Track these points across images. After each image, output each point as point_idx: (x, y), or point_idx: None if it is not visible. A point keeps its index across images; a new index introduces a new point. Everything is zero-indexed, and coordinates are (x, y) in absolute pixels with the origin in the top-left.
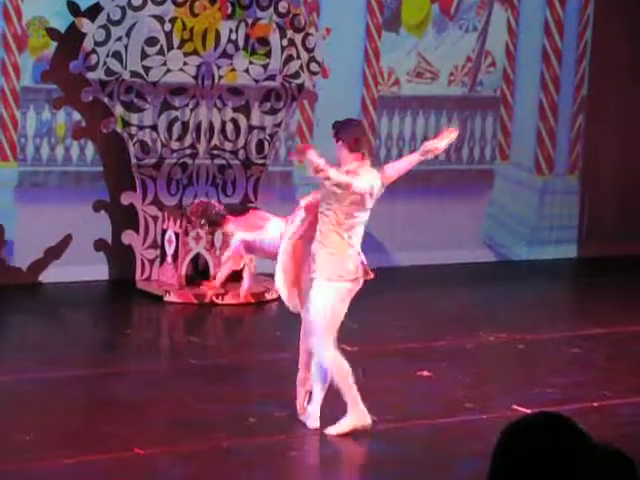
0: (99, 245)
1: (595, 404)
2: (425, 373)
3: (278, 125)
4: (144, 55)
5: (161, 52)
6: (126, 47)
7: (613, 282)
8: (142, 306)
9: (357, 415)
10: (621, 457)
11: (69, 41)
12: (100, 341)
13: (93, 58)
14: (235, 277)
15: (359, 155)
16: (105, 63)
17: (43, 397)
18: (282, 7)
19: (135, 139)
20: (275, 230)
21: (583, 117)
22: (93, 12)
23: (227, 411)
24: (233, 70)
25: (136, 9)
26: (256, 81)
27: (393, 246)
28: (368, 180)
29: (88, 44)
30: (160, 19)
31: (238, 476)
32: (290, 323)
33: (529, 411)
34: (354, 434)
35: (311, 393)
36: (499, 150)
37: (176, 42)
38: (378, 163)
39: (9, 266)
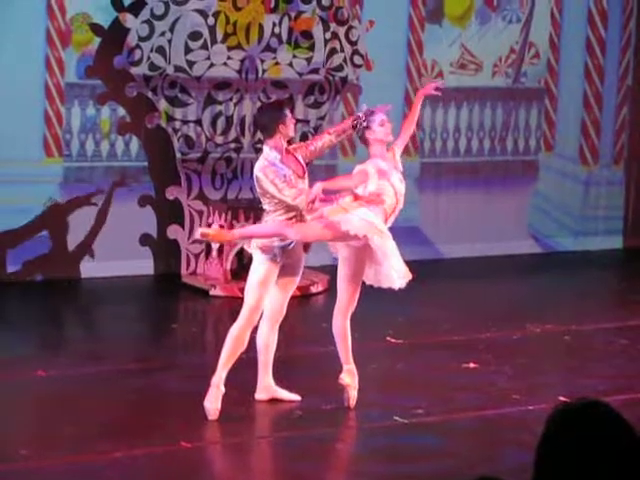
0: (145, 240)
1: None
2: (471, 365)
3: (322, 118)
4: (188, 49)
5: (205, 46)
6: (170, 42)
7: None
8: (188, 300)
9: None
10: None
11: (113, 36)
12: (146, 336)
13: (137, 53)
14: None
15: None
16: (149, 58)
17: (90, 391)
18: (325, 0)
19: (179, 134)
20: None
21: (628, 107)
22: (136, 7)
23: (274, 404)
24: (277, 64)
25: (179, 3)
26: (300, 74)
27: (438, 238)
28: None
29: (132, 39)
30: (203, 13)
31: (284, 468)
32: None
33: None
34: (401, 426)
35: None
36: (544, 141)
37: (219, 36)
38: (422, 156)
39: (54, 261)
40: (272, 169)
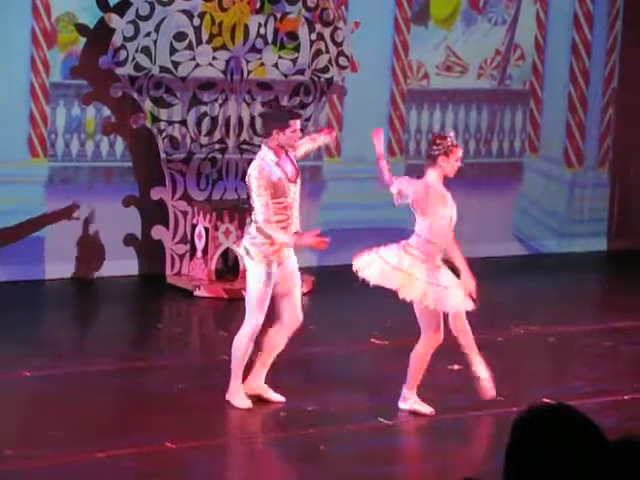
0: (129, 240)
1: (626, 397)
2: (456, 367)
3: (307, 119)
4: (173, 50)
5: (190, 47)
6: (155, 42)
7: None
8: (172, 301)
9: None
10: None
11: (98, 37)
12: (131, 336)
13: (122, 53)
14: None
15: None
16: (134, 58)
17: (75, 392)
18: (311, 1)
19: (164, 134)
20: None
21: (613, 110)
22: (122, 7)
23: (258, 405)
24: (262, 65)
25: (165, 4)
26: (285, 75)
27: None
28: None
29: (117, 39)
30: (189, 14)
31: (269, 469)
32: (321, 317)
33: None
34: (385, 428)
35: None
36: (529, 143)
37: (205, 37)
38: (407, 157)
39: (43, 261)
40: (265, 173)
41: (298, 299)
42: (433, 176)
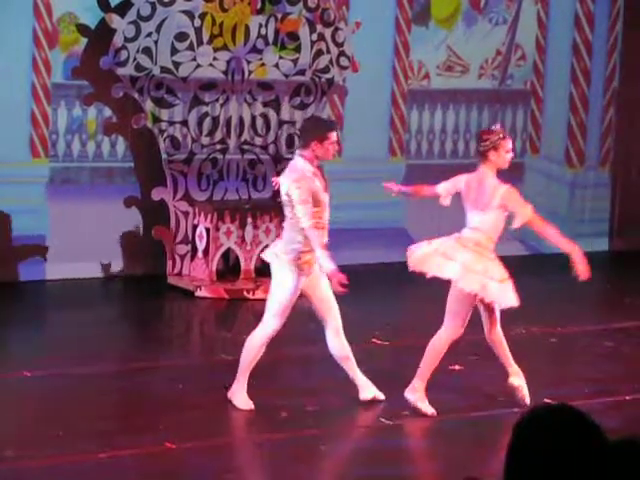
0: (130, 240)
1: (628, 397)
2: (456, 367)
3: None
4: (174, 51)
5: (191, 47)
6: (156, 43)
7: None
8: (173, 301)
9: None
10: None
11: (99, 37)
12: (132, 336)
13: (123, 54)
14: (266, 272)
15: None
16: (135, 59)
17: (75, 392)
18: (311, 1)
19: (165, 134)
20: None
21: (614, 110)
22: (123, 8)
23: (259, 405)
24: (263, 65)
25: (166, 5)
26: (286, 76)
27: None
28: None
29: (118, 40)
30: (190, 14)
31: (269, 470)
32: None
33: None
34: (386, 428)
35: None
36: (530, 143)
37: (206, 37)
38: (409, 157)
39: (41, 261)
40: (307, 181)
41: (331, 296)
42: (488, 172)
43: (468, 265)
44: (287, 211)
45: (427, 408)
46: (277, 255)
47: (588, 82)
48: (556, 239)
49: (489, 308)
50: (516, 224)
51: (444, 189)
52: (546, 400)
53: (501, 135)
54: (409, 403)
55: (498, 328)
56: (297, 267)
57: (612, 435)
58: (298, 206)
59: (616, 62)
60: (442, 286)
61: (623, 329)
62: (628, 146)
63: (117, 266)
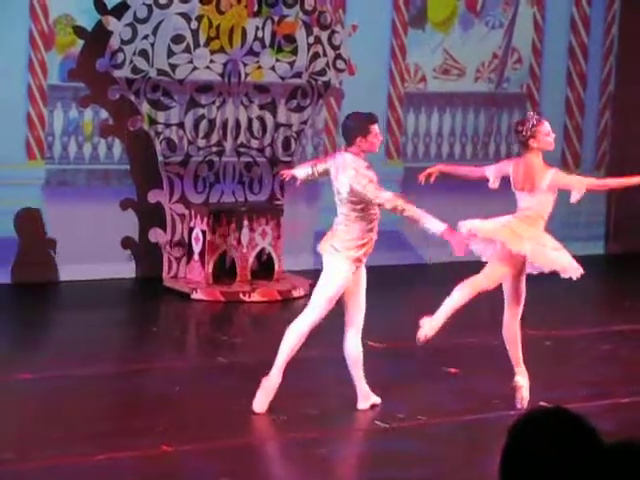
0: (126, 243)
1: (624, 400)
2: (452, 370)
3: (305, 122)
4: (171, 53)
5: (187, 50)
6: (153, 45)
7: None
8: (169, 304)
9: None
10: None
11: (96, 39)
12: (127, 339)
13: (120, 56)
14: (262, 274)
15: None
16: (132, 61)
17: (72, 394)
18: (308, 4)
19: (162, 137)
20: None
21: (610, 113)
22: (120, 10)
23: None
24: (259, 68)
25: (162, 7)
26: (282, 78)
27: (420, 243)
28: None
29: (115, 42)
30: (186, 17)
31: (267, 473)
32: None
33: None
34: (382, 431)
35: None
36: None
37: (202, 40)
38: (405, 160)
39: (38, 264)
40: (362, 175)
41: (363, 296)
42: (534, 157)
43: (519, 232)
44: (346, 208)
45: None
46: (335, 248)
47: (584, 85)
48: (621, 182)
49: (515, 297)
50: (574, 198)
51: (491, 173)
52: (542, 403)
53: (534, 121)
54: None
55: (516, 324)
56: (352, 261)
57: (608, 438)
58: (368, 187)
59: (612, 65)
60: (437, 288)
61: (620, 332)
62: (624, 149)
63: (113, 268)
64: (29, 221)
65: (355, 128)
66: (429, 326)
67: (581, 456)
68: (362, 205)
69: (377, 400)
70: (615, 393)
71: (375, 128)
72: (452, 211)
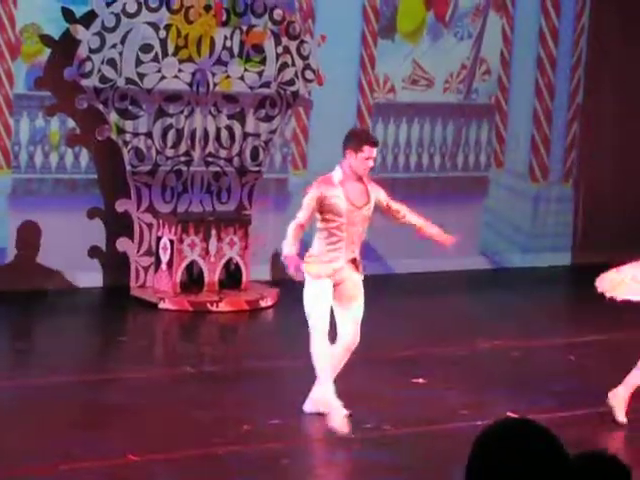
0: (93, 252)
1: (589, 411)
2: (420, 380)
3: (273, 132)
4: (139, 62)
5: (156, 59)
6: (121, 54)
7: None
8: (137, 313)
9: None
10: (616, 463)
11: (63, 48)
12: (94, 348)
13: (88, 65)
14: (230, 284)
15: None
16: (100, 70)
17: (37, 404)
18: (277, 14)
19: (130, 146)
20: None
21: (578, 125)
22: (88, 19)
23: (221, 418)
24: (228, 77)
25: (131, 16)
26: (251, 88)
27: (389, 253)
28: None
29: (83, 51)
30: (155, 26)
31: None
32: (285, 330)
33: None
34: (347, 441)
35: None
36: (494, 157)
37: (171, 49)
38: (373, 171)
39: (3, 273)
40: (316, 185)
41: (353, 317)
42: None
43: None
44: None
45: (621, 416)
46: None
47: (552, 97)
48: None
49: None
50: None
51: None
52: (508, 414)
53: None
54: (608, 404)
55: None
56: (313, 276)
57: (573, 449)
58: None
59: (580, 77)
60: (404, 301)
61: (585, 343)
62: (592, 161)
63: (80, 278)
64: None
65: (349, 140)
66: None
67: (546, 467)
68: (322, 218)
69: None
70: (581, 404)
71: (368, 150)
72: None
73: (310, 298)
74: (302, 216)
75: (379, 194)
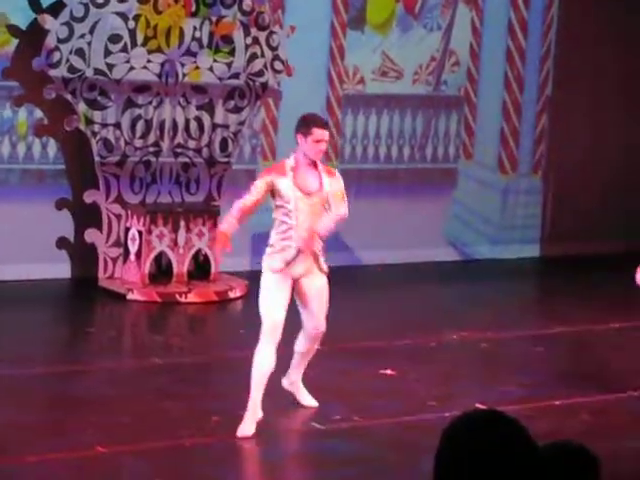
0: (61, 243)
1: (557, 402)
2: (388, 372)
3: (242, 123)
4: (107, 52)
5: (125, 49)
6: (89, 44)
7: (575, 281)
8: (105, 304)
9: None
10: (584, 453)
11: (31, 38)
12: (62, 339)
13: (56, 55)
14: (196, 276)
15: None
16: (68, 60)
17: (4, 395)
18: (246, 5)
19: (98, 137)
20: None
21: (547, 117)
22: (56, 9)
23: (190, 409)
24: (197, 68)
25: (99, 6)
26: (220, 79)
27: (358, 244)
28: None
29: (51, 41)
30: (124, 16)
31: (201, 474)
32: (254, 321)
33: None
34: (318, 432)
35: None
36: (463, 149)
37: (140, 39)
38: (343, 162)
39: None
40: (267, 171)
41: (315, 308)
42: None
43: None
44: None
45: None
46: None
47: (521, 89)
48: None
49: None
50: None
51: None
52: (477, 405)
53: None
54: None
55: None
56: (271, 269)
57: (541, 440)
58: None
59: (549, 69)
60: (372, 292)
61: (554, 334)
62: (561, 153)
63: (48, 269)
64: None
65: (298, 124)
66: None
67: (514, 458)
68: (275, 206)
69: (312, 403)
70: (549, 395)
71: (318, 133)
72: (388, 213)
73: (263, 292)
74: (248, 197)
75: (334, 186)
